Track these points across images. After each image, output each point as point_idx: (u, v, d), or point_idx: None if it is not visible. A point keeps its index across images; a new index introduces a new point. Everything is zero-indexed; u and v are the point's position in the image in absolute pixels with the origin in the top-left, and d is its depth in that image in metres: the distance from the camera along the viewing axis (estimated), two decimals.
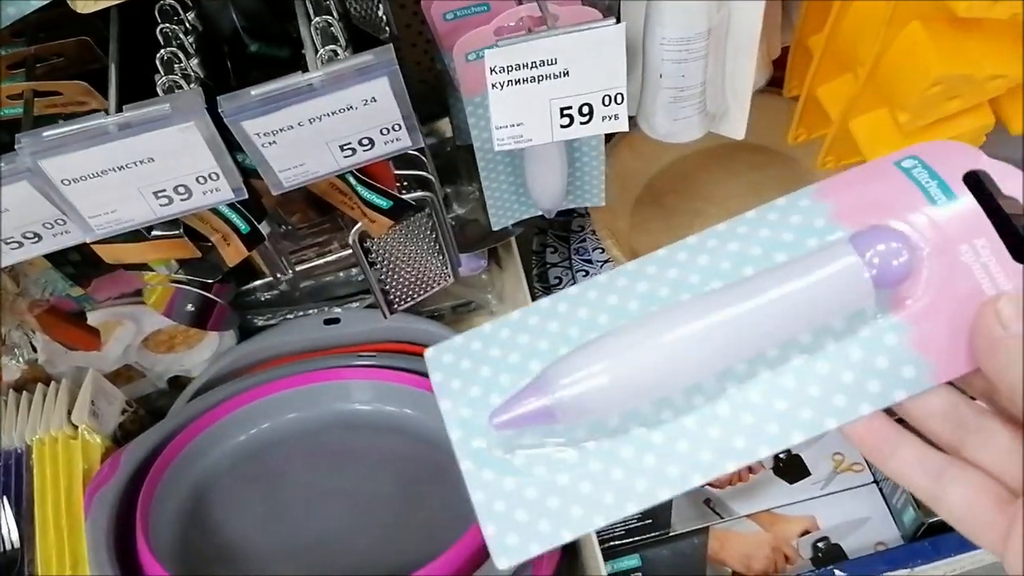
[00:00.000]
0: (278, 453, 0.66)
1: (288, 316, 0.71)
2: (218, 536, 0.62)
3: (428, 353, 0.34)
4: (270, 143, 0.40)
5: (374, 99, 0.40)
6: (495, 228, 0.58)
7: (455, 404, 0.32)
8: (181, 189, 0.42)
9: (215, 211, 0.49)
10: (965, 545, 0.57)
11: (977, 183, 0.31)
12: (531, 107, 0.43)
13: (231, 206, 0.49)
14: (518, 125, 0.44)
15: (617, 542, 0.59)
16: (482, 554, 0.55)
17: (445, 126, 0.71)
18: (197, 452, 0.64)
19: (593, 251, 0.70)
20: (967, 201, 0.30)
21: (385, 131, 0.42)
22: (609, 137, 0.69)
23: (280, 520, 0.63)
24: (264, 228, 0.50)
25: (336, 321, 0.70)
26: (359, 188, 0.49)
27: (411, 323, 0.71)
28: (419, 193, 0.53)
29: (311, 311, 0.71)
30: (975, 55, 0.46)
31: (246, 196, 0.43)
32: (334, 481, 0.65)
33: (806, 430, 0.29)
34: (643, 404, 0.30)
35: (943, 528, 0.59)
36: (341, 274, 0.70)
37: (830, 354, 0.30)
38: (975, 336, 0.29)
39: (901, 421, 0.30)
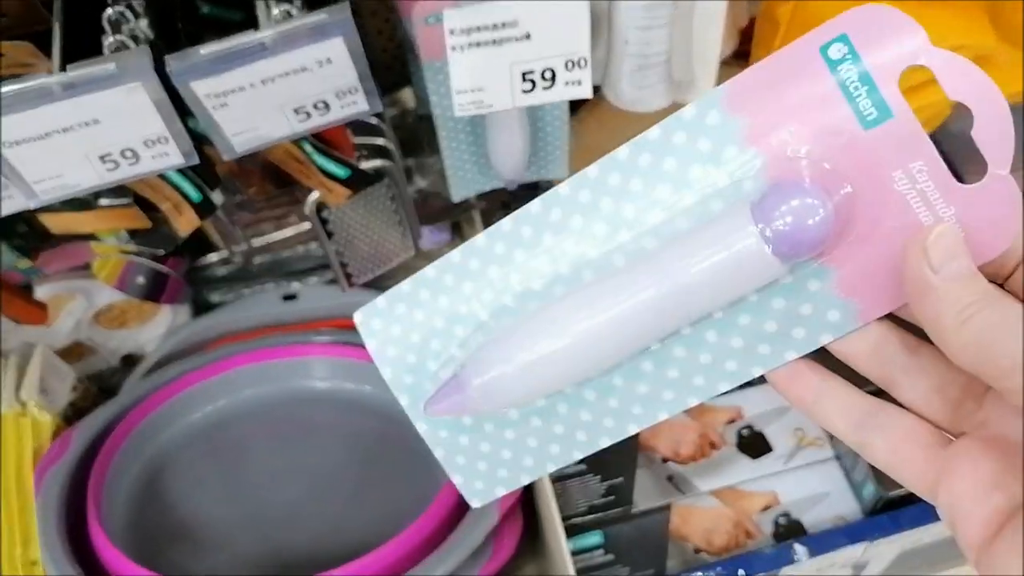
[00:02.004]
0: (235, 431, 0.65)
1: (245, 292, 0.69)
2: (174, 514, 0.60)
3: (357, 318, 0.34)
4: (220, 105, 0.39)
5: (329, 60, 0.39)
6: (455, 199, 0.57)
7: (396, 371, 0.33)
8: (128, 153, 0.41)
9: (166, 179, 0.47)
10: (923, 518, 0.58)
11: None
12: (492, 71, 0.42)
13: (182, 174, 0.47)
14: (478, 90, 0.43)
15: (579, 519, 0.58)
16: (442, 531, 0.54)
17: (407, 96, 0.70)
18: (151, 429, 0.62)
19: None
20: (904, 116, 0.26)
21: (341, 94, 0.41)
22: (575, 109, 0.68)
23: (238, 498, 0.62)
24: (217, 197, 0.48)
25: (294, 297, 0.69)
26: (315, 156, 0.47)
27: (370, 299, 0.69)
28: (378, 162, 0.52)
29: (268, 286, 0.69)
30: (940, 25, 0.45)
31: (197, 161, 0.41)
32: (293, 458, 0.64)
33: (731, 379, 0.29)
34: (558, 390, 0.31)
35: (902, 502, 0.59)
36: (300, 248, 0.68)
37: (752, 305, 0.29)
38: (905, 279, 0.26)
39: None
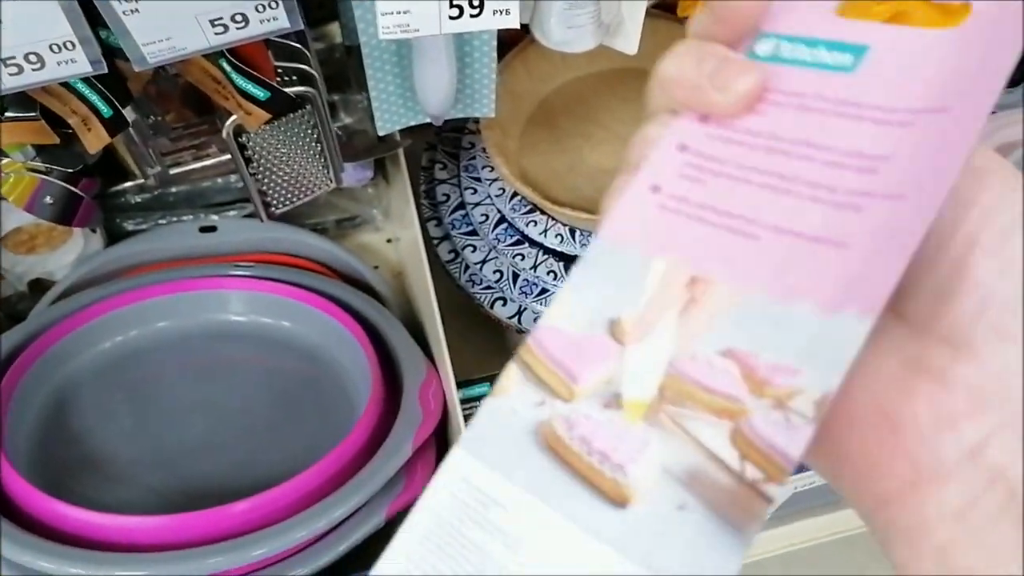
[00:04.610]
0: (147, 363, 0.64)
1: (161, 221, 0.68)
2: (81, 445, 0.59)
3: None
4: (132, 11, 0.38)
5: None
6: (381, 133, 0.56)
7: None
8: (33, 58, 0.39)
9: (75, 92, 0.46)
10: None
11: None
12: None
13: (92, 87, 0.46)
14: (405, 13, 0.42)
15: None
16: (355, 465, 0.54)
17: (335, 31, 0.68)
18: (58, 357, 0.61)
19: (482, 169, 0.69)
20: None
21: (261, 8, 0.40)
22: (501, 53, 0.68)
23: (148, 430, 0.61)
24: (129, 114, 0.47)
25: (212, 229, 0.68)
26: (234, 75, 0.46)
27: (291, 234, 0.68)
28: (300, 88, 0.51)
29: (186, 217, 0.68)
30: None
31: (105, 70, 0.40)
32: (206, 392, 0.63)
33: None
34: None
35: None
36: (219, 180, 0.67)
37: None
38: None
39: None
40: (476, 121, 0.69)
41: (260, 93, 0.47)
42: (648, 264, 0.25)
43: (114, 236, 0.68)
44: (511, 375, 0.25)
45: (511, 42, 0.70)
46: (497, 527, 0.24)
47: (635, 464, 0.23)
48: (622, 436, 0.24)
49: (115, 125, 0.46)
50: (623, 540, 0.22)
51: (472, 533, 0.24)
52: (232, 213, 0.68)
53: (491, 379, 0.61)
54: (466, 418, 0.58)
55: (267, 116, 0.48)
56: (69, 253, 0.65)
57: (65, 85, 0.45)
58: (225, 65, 0.46)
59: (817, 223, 0.23)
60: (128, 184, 0.64)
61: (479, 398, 0.61)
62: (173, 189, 0.66)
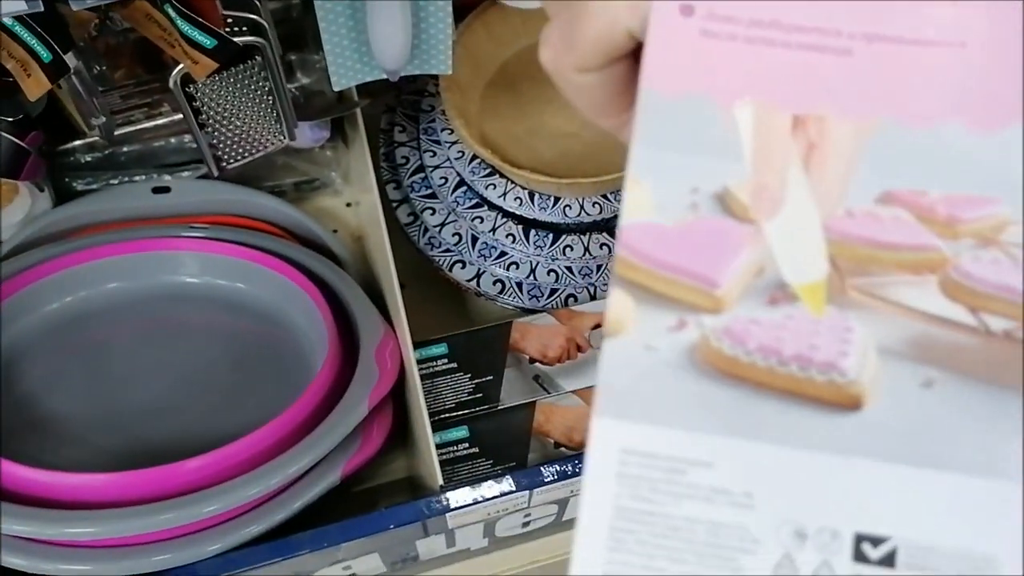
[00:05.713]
0: (98, 324, 0.63)
1: (112, 182, 0.66)
2: (31, 407, 0.58)
3: None
4: None
5: None
6: (336, 88, 0.55)
7: None
8: None
9: (13, 36, 0.45)
10: None
11: None
12: None
13: (31, 31, 0.44)
14: None
15: (447, 415, 0.59)
16: (311, 424, 0.54)
17: None
18: (5, 317, 0.60)
19: (442, 132, 0.68)
20: None
21: None
22: (463, 14, 0.67)
23: (100, 392, 0.59)
24: (71, 60, 0.46)
25: (166, 190, 0.66)
26: (179, 21, 0.45)
27: (248, 196, 0.67)
28: (249, 38, 0.50)
29: (138, 178, 0.66)
30: None
31: (41, 8, 0.39)
32: (159, 354, 0.62)
33: None
34: None
35: None
36: (172, 140, 0.66)
37: None
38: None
39: None
40: (436, 84, 0.68)
41: (206, 41, 0.46)
42: (730, 114, 0.20)
43: (63, 196, 0.66)
44: (621, 304, 0.20)
45: (472, 4, 0.69)
46: (713, 489, 0.19)
47: (846, 357, 0.19)
48: (813, 330, 0.19)
49: (56, 70, 0.45)
50: (879, 446, 0.19)
51: (679, 509, 0.19)
52: (186, 174, 0.67)
53: (447, 339, 0.61)
54: (423, 378, 0.58)
55: (214, 65, 0.47)
56: (16, 212, 0.64)
57: (3, 29, 0.44)
58: (170, 11, 0.45)
59: (916, 22, 0.19)
60: (78, 143, 0.63)
61: (436, 358, 0.60)
62: (124, 148, 0.65)
